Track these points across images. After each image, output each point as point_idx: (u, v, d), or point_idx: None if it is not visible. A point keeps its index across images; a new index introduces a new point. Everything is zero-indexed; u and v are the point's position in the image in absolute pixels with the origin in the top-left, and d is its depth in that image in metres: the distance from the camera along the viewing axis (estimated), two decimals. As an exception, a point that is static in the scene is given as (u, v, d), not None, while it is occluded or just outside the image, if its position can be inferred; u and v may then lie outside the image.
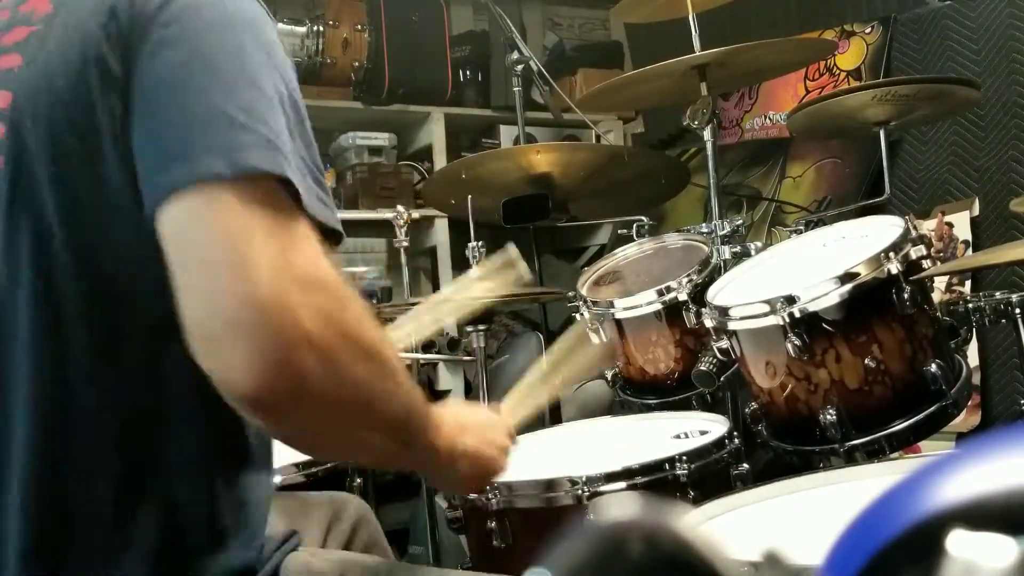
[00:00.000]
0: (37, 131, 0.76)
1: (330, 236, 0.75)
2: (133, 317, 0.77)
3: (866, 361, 1.36)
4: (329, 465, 1.58)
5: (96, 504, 0.77)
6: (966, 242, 2.49)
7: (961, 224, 2.52)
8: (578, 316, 1.76)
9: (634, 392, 1.81)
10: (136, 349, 0.78)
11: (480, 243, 1.93)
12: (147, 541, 0.78)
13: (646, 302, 1.70)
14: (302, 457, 1.56)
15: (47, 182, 0.75)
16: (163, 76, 0.72)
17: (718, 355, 1.55)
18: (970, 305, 1.53)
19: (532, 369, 1.13)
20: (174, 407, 0.79)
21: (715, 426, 1.44)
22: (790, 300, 1.35)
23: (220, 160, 0.68)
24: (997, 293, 1.56)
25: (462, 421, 0.90)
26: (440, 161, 3.36)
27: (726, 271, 1.66)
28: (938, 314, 1.45)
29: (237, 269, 0.65)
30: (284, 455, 1.55)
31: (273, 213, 0.68)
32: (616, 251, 2.01)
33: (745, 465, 1.35)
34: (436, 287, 3.42)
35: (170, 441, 0.79)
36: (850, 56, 2.93)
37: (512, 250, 1.31)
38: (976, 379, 2.30)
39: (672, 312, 1.68)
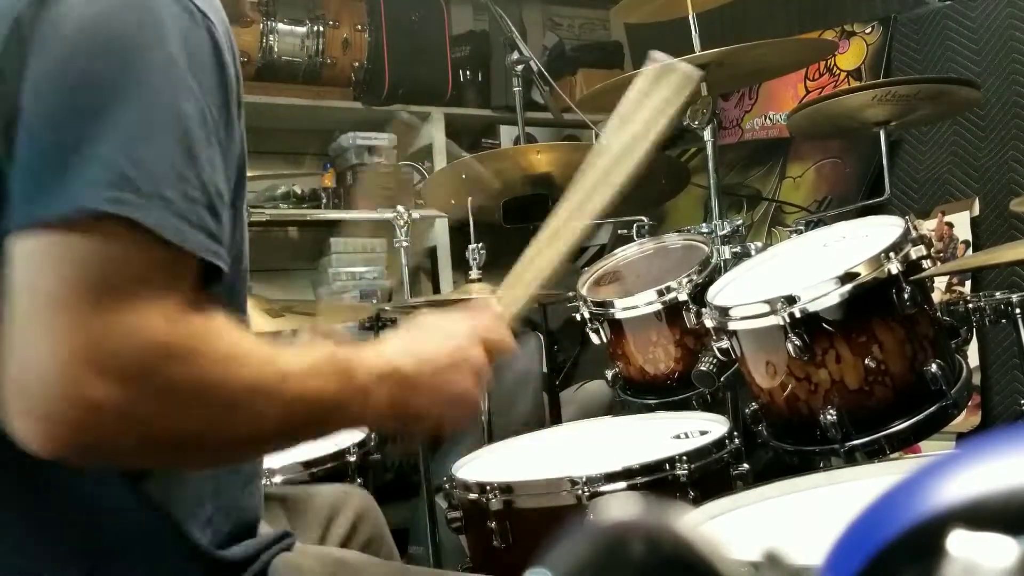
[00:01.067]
0: None
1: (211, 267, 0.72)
2: None
3: (866, 361, 1.36)
4: (329, 465, 1.59)
5: None
6: (966, 242, 2.50)
7: (961, 224, 2.52)
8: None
9: (634, 392, 1.81)
10: None
11: (479, 245, 1.93)
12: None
13: (646, 302, 1.70)
14: (303, 456, 1.56)
15: None
16: (38, 94, 0.68)
17: (718, 355, 1.55)
18: (970, 305, 1.53)
19: (529, 247, 1.05)
20: None
21: (715, 426, 1.44)
22: (790, 300, 1.35)
23: (58, 200, 0.65)
24: (997, 293, 1.56)
25: (408, 372, 0.82)
26: (440, 161, 3.36)
27: (726, 271, 1.66)
28: (938, 314, 1.45)
29: (38, 325, 0.64)
30: (281, 456, 1.55)
31: (107, 261, 0.65)
32: (616, 251, 2.01)
33: (745, 465, 1.35)
34: (436, 287, 3.42)
35: None
36: (850, 56, 2.93)
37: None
38: (976, 379, 2.30)
39: (672, 312, 1.68)
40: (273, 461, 1.52)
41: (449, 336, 0.88)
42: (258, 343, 0.73)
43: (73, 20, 0.69)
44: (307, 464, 1.56)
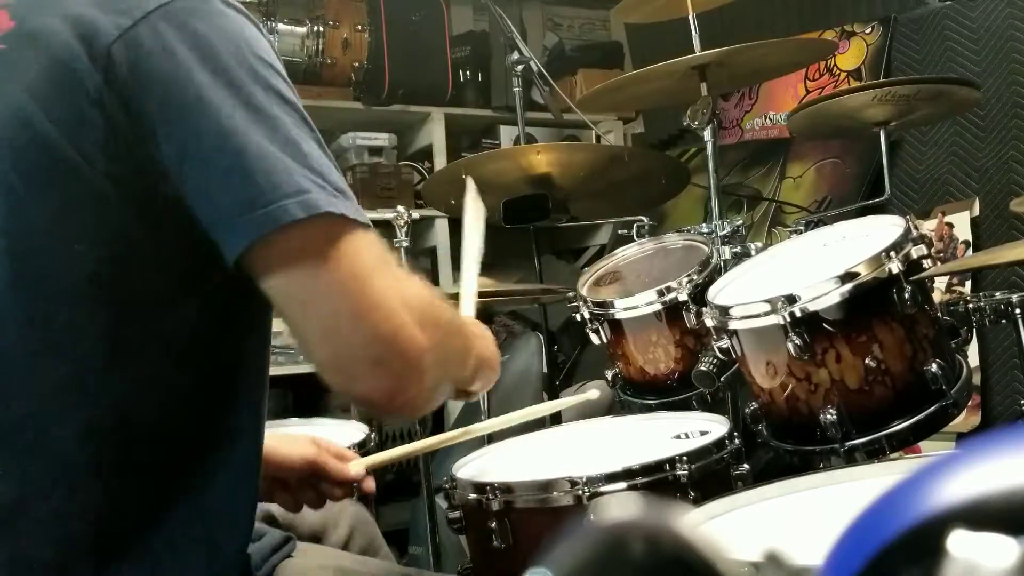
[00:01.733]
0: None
1: None
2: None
3: (866, 361, 1.36)
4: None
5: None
6: (966, 242, 2.50)
7: (961, 224, 2.52)
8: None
9: (634, 392, 1.80)
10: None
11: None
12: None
13: (646, 302, 1.70)
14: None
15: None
16: (195, 119, 0.74)
17: (718, 355, 1.55)
18: (970, 305, 1.53)
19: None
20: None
21: (715, 426, 1.44)
22: (791, 300, 1.35)
23: (295, 205, 0.74)
24: (997, 293, 1.56)
25: (478, 328, 1.06)
26: (440, 161, 3.36)
27: (726, 271, 1.66)
28: (938, 314, 1.45)
29: (361, 314, 0.76)
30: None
31: (356, 247, 0.77)
32: (616, 251, 2.01)
33: (745, 465, 1.35)
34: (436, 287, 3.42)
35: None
36: (850, 56, 2.93)
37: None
38: (976, 379, 2.30)
39: (672, 312, 1.68)
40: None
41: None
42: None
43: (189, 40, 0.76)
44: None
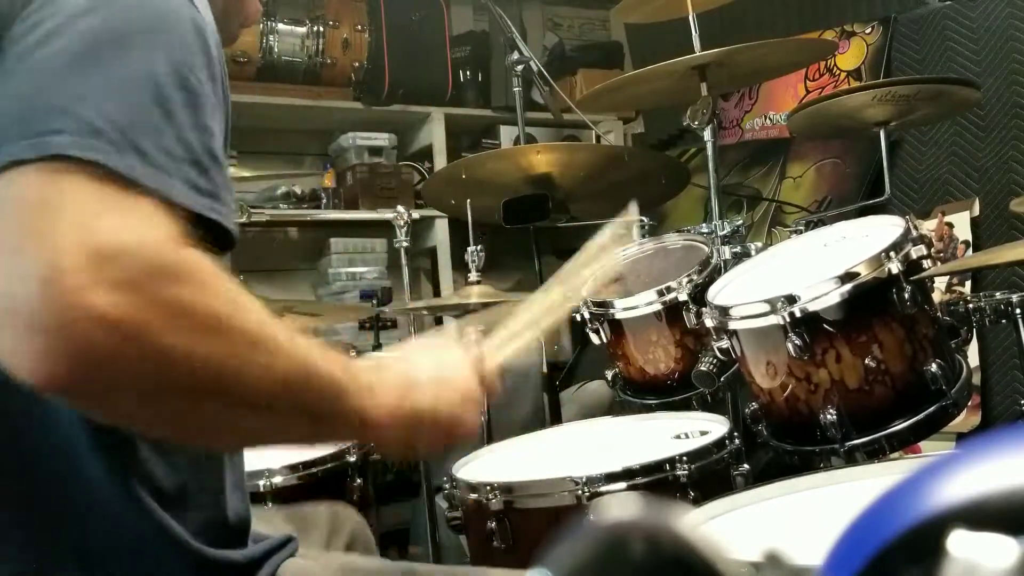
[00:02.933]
0: None
1: (217, 231, 0.69)
2: None
3: (866, 361, 1.36)
4: (330, 465, 1.59)
5: None
6: (966, 242, 2.50)
7: (961, 224, 2.52)
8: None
9: (634, 392, 1.81)
10: None
11: (479, 247, 1.94)
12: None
13: (646, 302, 1.70)
14: (299, 458, 1.56)
15: None
16: (15, 56, 0.68)
17: (718, 355, 1.55)
18: (970, 305, 1.53)
19: (522, 306, 1.04)
20: None
21: (715, 426, 1.44)
22: (790, 300, 1.35)
23: (27, 146, 0.61)
24: (997, 293, 1.56)
25: (412, 376, 0.79)
26: (440, 161, 3.36)
27: (726, 271, 1.66)
28: (938, 314, 1.45)
29: (24, 243, 0.58)
30: (281, 456, 1.55)
31: (85, 192, 0.61)
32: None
33: (745, 465, 1.35)
34: (436, 287, 3.42)
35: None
36: (850, 56, 2.93)
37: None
38: (976, 379, 2.30)
39: (672, 312, 1.68)
40: (273, 461, 1.52)
41: (451, 362, 0.85)
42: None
43: None
44: (307, 464, 1.56)
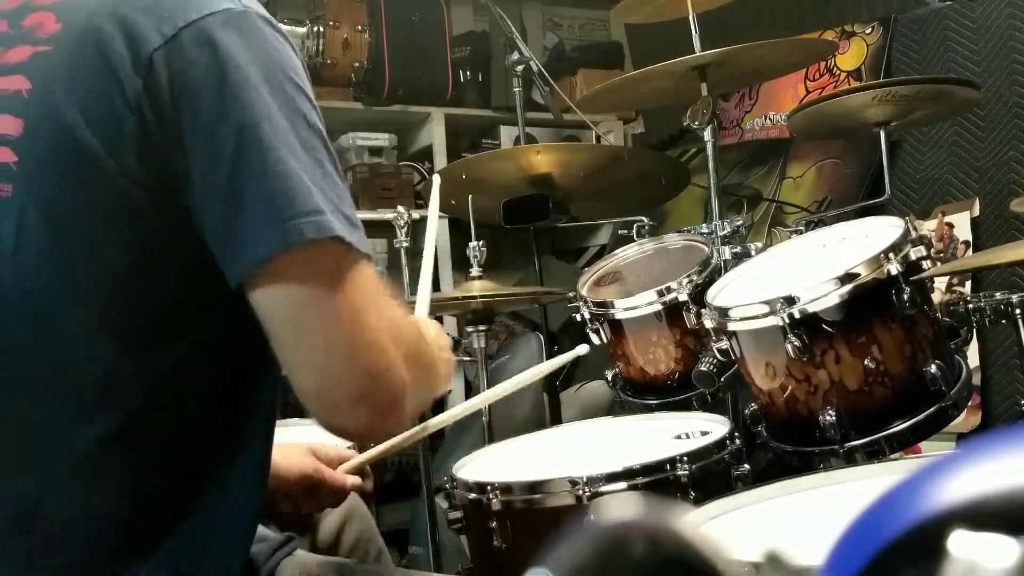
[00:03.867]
0: (45, 155, 0.76)
1: None
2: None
3: (866, 362, 1.36)
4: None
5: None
6: (966, 242, 2.50)
7: (961, 224, 2.52)
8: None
9: (634, 392, 1.81)
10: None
11: (480, 243, 1.94)
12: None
13: (646, 302, 1.70)
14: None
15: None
16: (217, 142, 0.74)
17: (718, 356, 1.55)
18: (970, 305, 1.53)
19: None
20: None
21: (716, 427, 1.44)
22: (790, 301, 1.35)
23: (310, 225, 0.73)
24: (997, 293, 1.56)
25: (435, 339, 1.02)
26: (440, 161, 3.36)
27: (726, 272, 1.66)
28: (938, 315, 1.45)
29: (355, 351, 0.76)
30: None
31: (358, 278, 0.76)
32: (616, 251, 2.01)
33: (746, 466, 1.35)
34: (436, 287, 3.42)
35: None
36: (850, 56, 2.93)
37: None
38: (976, 379, 2.30)
39: (672, 313, 1.68)
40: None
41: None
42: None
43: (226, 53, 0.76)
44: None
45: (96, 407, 0.78)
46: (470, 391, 3.10)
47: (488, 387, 1.98)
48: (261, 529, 0.94)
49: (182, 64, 0.74)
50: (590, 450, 1.54)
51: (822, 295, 1.34)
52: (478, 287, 1.91)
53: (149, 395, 0.78)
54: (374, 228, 3.24)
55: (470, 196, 2.04)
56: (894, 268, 1.34)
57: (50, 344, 0.77)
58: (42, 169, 0.76)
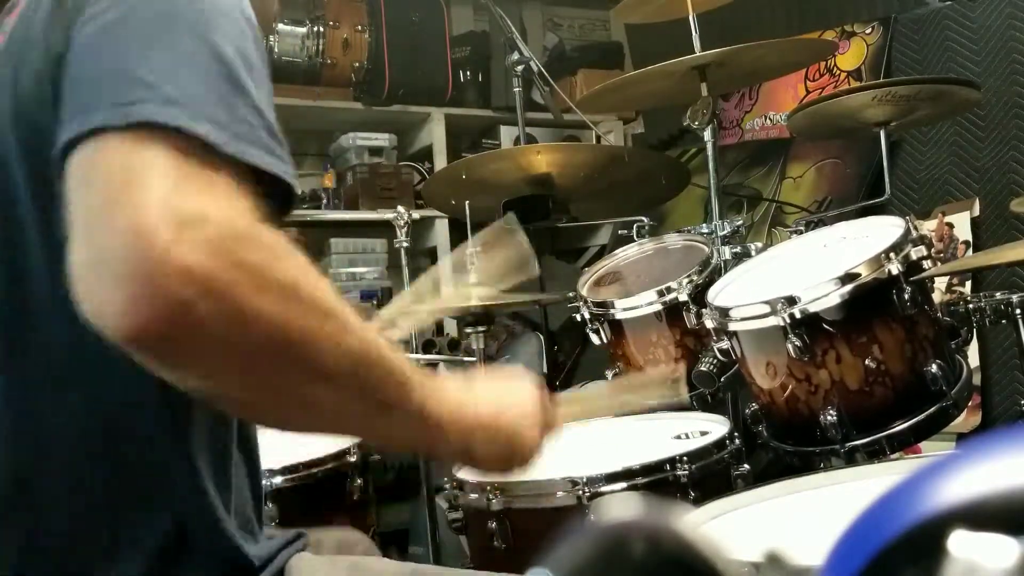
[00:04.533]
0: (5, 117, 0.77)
1: (283, 192, 0.73)
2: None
3: (866, 362, 1.36)
4: (330, 465, 1.58)
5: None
6: (966, 242, 2.50)
7: (961, 224, 2.52)
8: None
9: (634, 392, 1.80)
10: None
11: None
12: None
13: (646, 303, 1.70)
14: (299, 458, 1.56)
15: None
16: (87, 41, 0.72)
17: (718, 356, 1.55)
18: (970, 305, 1.53)
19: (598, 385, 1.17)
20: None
21: (716, 427, 1.44)
22: (790, 301, 1.35)
23: (114, 113, 0.64)
24: (997, 293, 1.56)
25: (476, 388, 0.82)
26: (440, 161, 3.36)
27: (726, 272, 1.66)
28: (938, 314, 1.45)
29: (114, 205, 0.61)
30: (281, 457, 1.55)
31: (169, 159, 0.63)
32: (616, 251, 2.01)
33: (746, 466, 1.35)
34: (436, 287, 3.42)
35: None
36: (850, 56, 2.93)
37: (511, 218, 1.29)
38: (976, 379, 2.30)
39: (672, 313, 1.68)
40: (273, 461, 1.52)
41: (518, 389, 0.86)
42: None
43: None
44: (308, 464, 1.56)
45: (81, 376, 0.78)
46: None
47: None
48: (268, 531, 0.95)
49: None
50: (590, 450, 1.54)
51: (823, 295, 1.34)
52: (477, 295, 1.90)
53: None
54: (374, 228, 3.24)
55: (468, 199, 2.04)
56: (895, 268, 1.34)
57: None
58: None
